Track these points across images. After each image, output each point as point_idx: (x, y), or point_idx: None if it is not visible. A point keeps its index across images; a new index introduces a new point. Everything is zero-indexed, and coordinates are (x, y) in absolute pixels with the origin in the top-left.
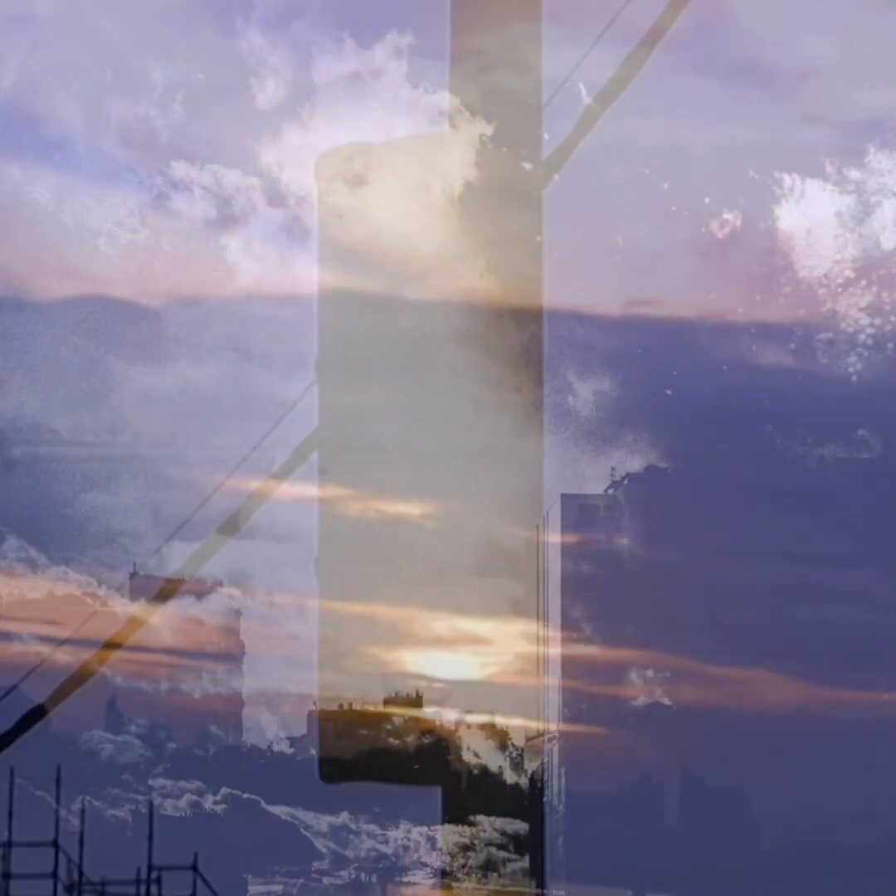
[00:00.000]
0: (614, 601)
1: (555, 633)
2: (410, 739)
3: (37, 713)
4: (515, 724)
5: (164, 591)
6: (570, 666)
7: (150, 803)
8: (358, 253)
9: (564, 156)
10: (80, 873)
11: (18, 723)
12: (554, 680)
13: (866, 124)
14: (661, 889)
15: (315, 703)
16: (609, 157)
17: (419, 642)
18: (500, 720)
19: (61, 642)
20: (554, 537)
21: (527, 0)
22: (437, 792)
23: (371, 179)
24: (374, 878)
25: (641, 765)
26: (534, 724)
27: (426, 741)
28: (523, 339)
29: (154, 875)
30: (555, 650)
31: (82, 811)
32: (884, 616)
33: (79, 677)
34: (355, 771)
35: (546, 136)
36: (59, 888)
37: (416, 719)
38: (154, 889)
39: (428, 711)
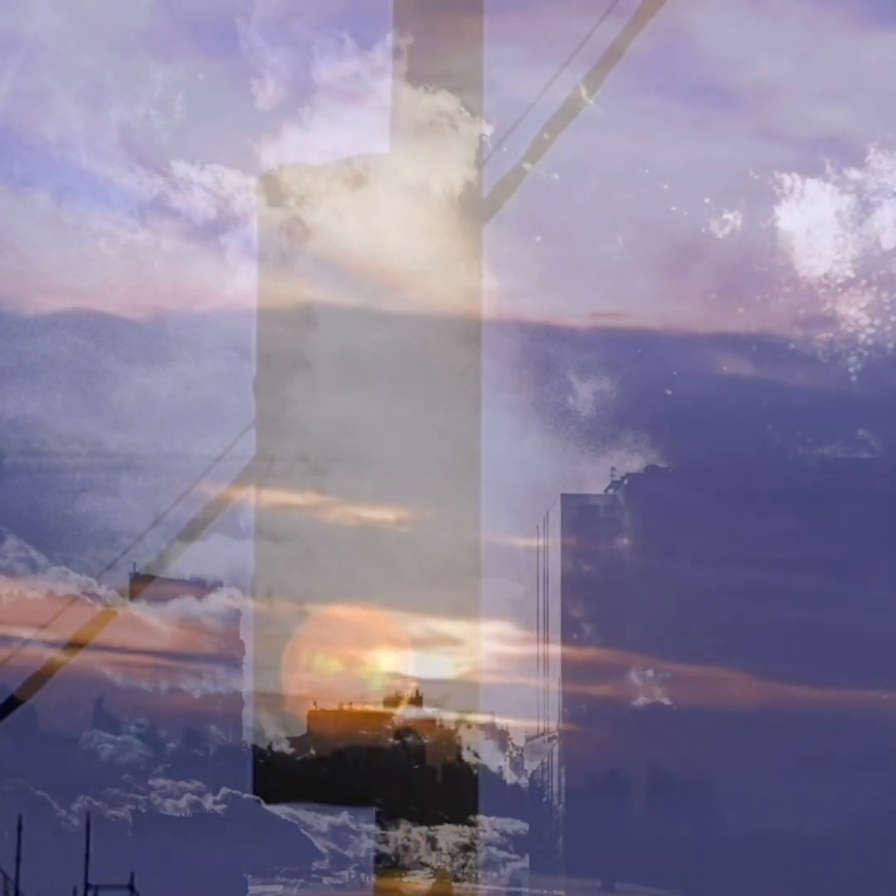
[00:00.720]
0: (589, 603)
1: (530, 634)
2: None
3: (10, 703)
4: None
5: (135, 589)
6: (546, 665)
7: (88, 816)
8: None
9: (517, 180)
10: (17, 891)
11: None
12: (529, 679)
13: (822, 140)
14: (631, 878)
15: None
16: (576, 175)
17: (395, 643)
18: (476, 718)
19: (54, 644)
20: (522, 540)
21: (471, 25)
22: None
23: (313, 197)
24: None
25: (610, 759)
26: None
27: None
28: (463, 353)
29: (90, 893)
30: (532, 649)
31: (19, 827)
32: (835, 616)
33: (50, 668)
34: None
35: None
36: None
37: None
38: None
39: (401, 710)
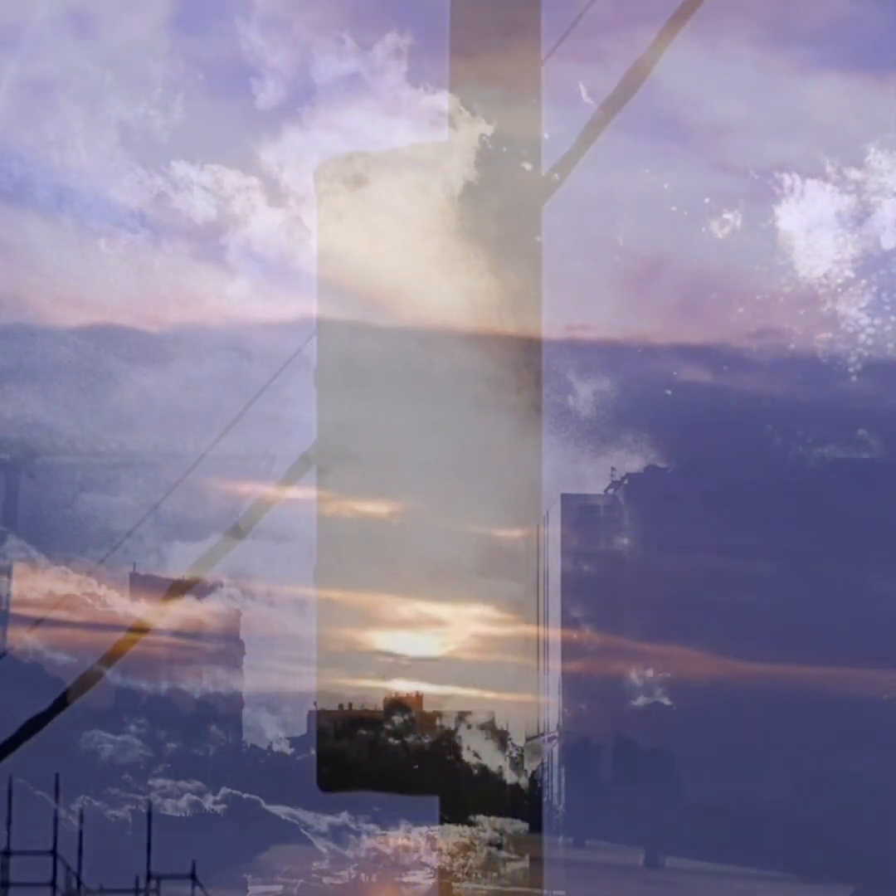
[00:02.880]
0: (583, 595)
1: (509, 616)
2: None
3: (60, 701)
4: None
5: (173, 592)
6: (525, 644)
7: (149, 806)
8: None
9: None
10: (79, 882)
11: (45, 712)
12: (509, 656)
13: (772, 170)
14: (599, 837)
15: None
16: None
17: (387, 624)
18: (460, 692)
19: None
20: (502, 531)
21: (527, 25)
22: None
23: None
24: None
25: (580, 728)
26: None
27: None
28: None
29: (152, 884)
30: (511, 630)
31: (80, 817)
32: (788, 599)
33: (104, 664)
34: None
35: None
36: None
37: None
38: None
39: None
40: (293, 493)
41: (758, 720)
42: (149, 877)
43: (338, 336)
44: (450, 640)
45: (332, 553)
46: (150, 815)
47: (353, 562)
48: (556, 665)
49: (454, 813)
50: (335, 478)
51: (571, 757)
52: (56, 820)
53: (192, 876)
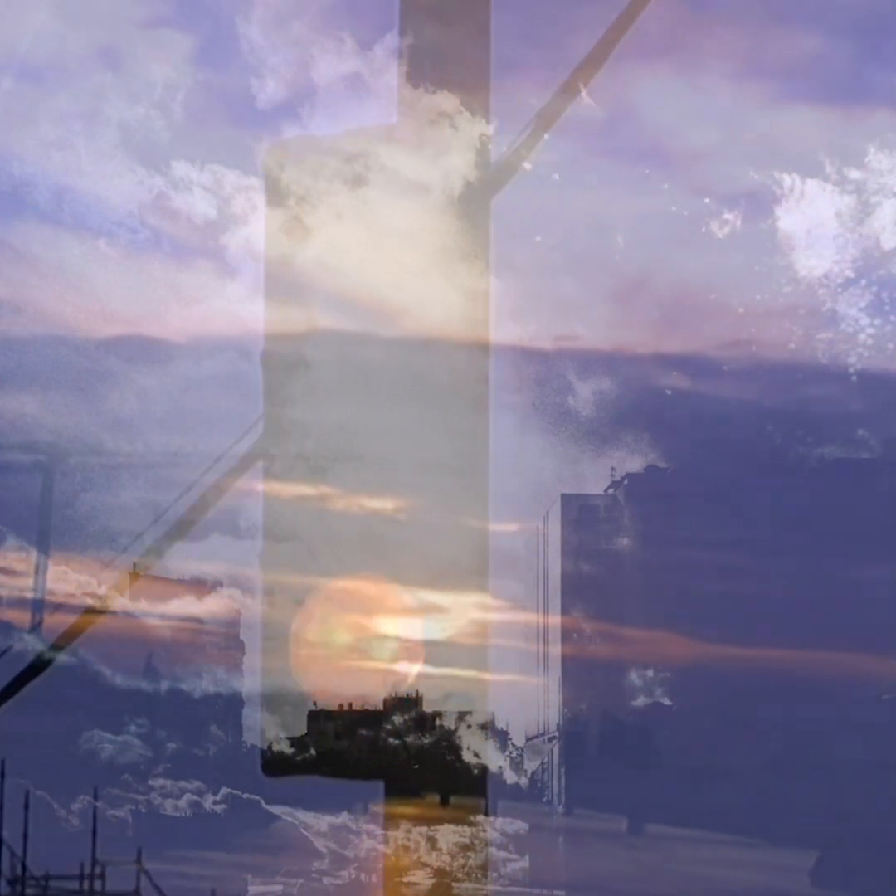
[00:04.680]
0: (553, 578)
1: (500, 603)
2: None
3: (41, 662)
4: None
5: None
6: (515, 631)
7: (94, 802)
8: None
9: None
10: (24, 867)
11: (26, 669)
12: (502, 640)
13: (744, 194)
14: (586, 806)
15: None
16: (538, 224)
17: (391, 610)
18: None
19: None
20: (497, 525)
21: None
22: None
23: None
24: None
25: (568, 707)
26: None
27: None
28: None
29: (98, 869)
30: (502, 616)
31: (26, 804)
32: (761, 588)
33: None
34: None
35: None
36: (2, 882)
37: None
38: (98, 884)
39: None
40: (300, 490)
41: (729, 698)
42: (94, 863)
43: (339, 341)
44: (449, 626)
45: (337, 546)
46: (95, 806)
47: (359, 554)
48: (555, 650)
49: (454, 813)
50: (340, 477)
51: (565, 734)
52: (0, 805)
53: (139, 861)
